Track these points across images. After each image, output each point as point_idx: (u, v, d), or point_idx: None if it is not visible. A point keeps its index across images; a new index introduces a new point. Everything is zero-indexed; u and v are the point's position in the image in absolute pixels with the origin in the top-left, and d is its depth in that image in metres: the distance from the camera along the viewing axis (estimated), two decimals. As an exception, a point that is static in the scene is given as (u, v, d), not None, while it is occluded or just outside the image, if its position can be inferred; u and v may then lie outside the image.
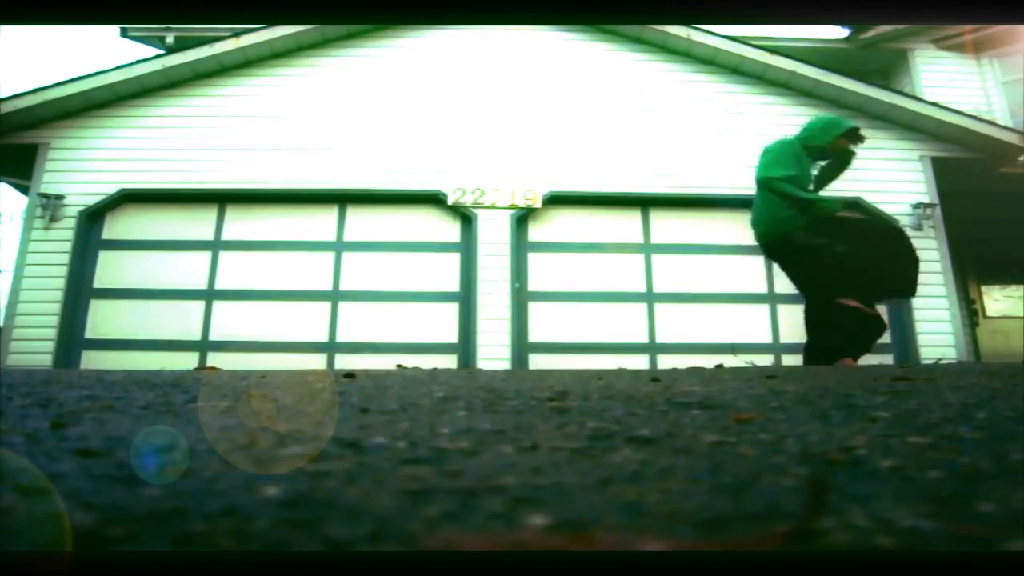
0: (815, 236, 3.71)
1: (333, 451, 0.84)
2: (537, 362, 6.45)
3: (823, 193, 4.11)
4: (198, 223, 6.92)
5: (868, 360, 3.81)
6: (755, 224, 3.97)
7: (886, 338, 6.77)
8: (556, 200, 6.98)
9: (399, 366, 3.88)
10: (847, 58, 9.15)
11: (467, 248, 6.87)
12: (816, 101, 7.39)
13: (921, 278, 6.72)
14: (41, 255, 6.58)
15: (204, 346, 6.53)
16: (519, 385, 1.91)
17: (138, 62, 7.05)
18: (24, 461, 0.76)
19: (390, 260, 6.87)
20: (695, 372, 2.78)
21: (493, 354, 6.39)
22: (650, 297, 6.82)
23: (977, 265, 9.20)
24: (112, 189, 6.79)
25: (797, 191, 3.76)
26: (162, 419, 1.19)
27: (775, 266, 6.97)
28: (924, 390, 1.63)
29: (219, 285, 6.74)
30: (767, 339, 6.74)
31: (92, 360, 6.40)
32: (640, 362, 6.42)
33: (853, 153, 4.02)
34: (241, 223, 6.95)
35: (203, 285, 6.72)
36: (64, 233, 6.64)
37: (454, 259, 6.89)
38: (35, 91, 6.79)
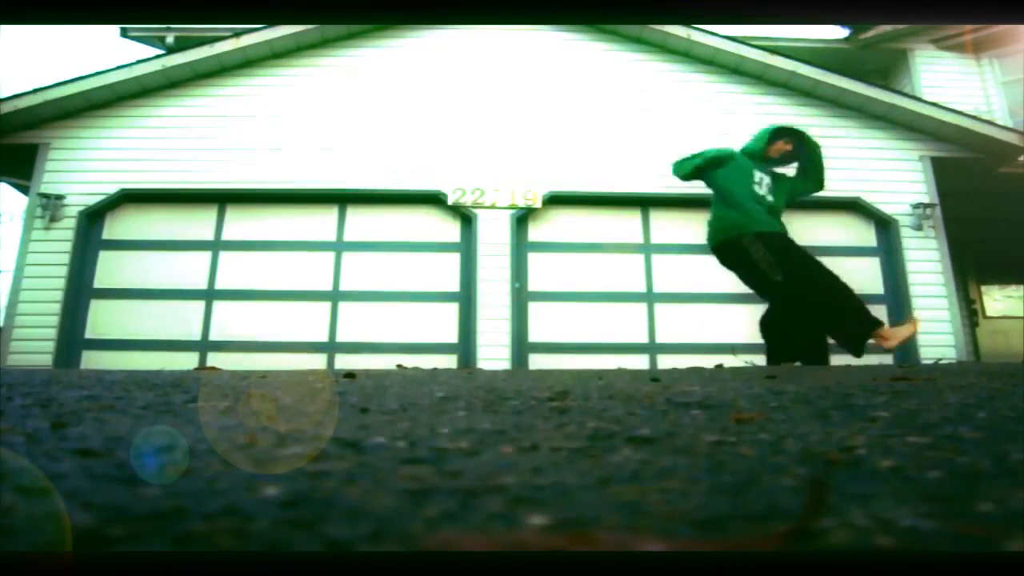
0: (763, 248, 3.61)
1: (333, 451, 0.84)
2: (537, 362, 6.45)
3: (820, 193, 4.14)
4: (198, 223, 6.92)
5: (868, 360, 3.80)
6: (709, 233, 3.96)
7: (886, 338, 6.79)
8: (556, 200, 6.98)
9: (399, 366, 3.88)
10: (847, 58, 9.15)
11: (467, 248, 6.87)
12: (816, 101, 7.39)
13: (921, 278, 6.83)
14: (41, 255, 6.58)
15: (204, 346, 6.53)
16: (519, 385, 1.91)
17: (138, 62, 7.05)
18: (24, 461, 0.76)
19: (390, 260, 6.87)
20: (695, 372, 2.78)
21: (493, 354, 6.39)
22: (650, 297, 6.82)
23: (977, 265, 9.20)
24: (112, 189, 6.79)
25: (693, 157, 3.79)
26: (162, 419, 1.19)
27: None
28: (924, 390, 1.63)
29: (219, 285, 6.74)
30: (767, 339, 6.73)
31: (92, 360, 6.40)
32: (640, 362, 6.42)
33: (815, 145, 3.97)
34: (241, 223, 6.95)
35: (203, 285, 6.72)
36: (64, 233, 6.64)
37: (454, 259, 6.89)
38: (35, 91, 6.79)
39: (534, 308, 6.75)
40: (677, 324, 6.74)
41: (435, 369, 3.35)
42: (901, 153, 7.27)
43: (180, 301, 6.65)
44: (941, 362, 4.86)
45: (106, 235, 6.84)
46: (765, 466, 0.76)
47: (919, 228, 6.92)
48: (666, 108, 7.34)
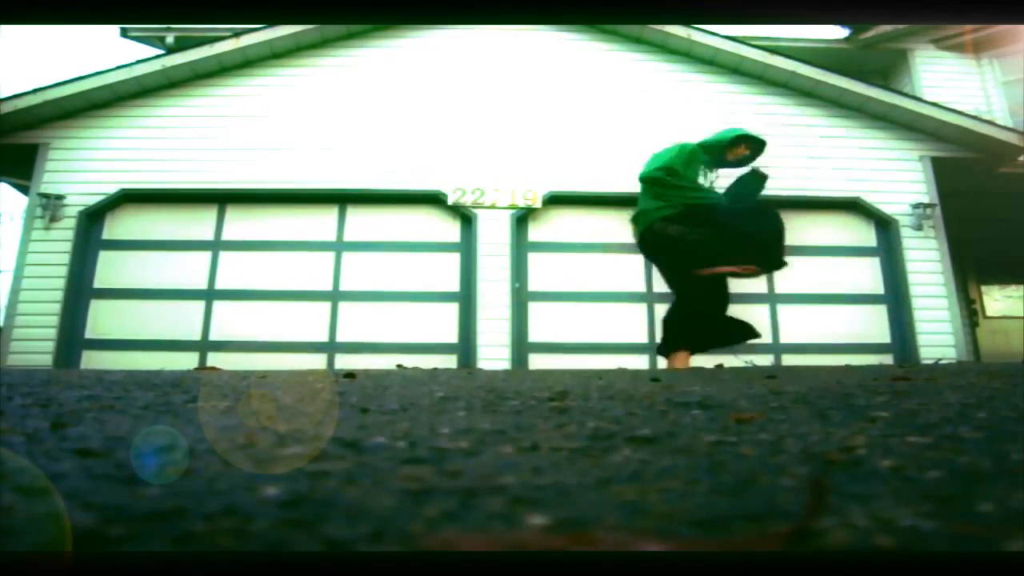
0: (670, 225, 3.68)
1: (333, 451, 0.84)
2: (537, 362, 6.45)
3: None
4: (198, 223, 6.92)
5: (868, 360, 3.80)
6: (631, 222, 3.97)
7: (886, 338, 6.79)
8: (556, 200, 6.98)
9: (399, 366, 3.88)
10: (847, 58, 9.15)
11: (467, 248, 6.87)
12: (816, 101, 7.39)
13: (921, 278, 6.83)
14: (41, 255, 6.58)
15: (204, 346, 6.53)
16: (519, 385, 1.91)
17: (138, 62, 7.05)
18: (24, 461, 0.76)
19: (390, 260, 6.87)
20: (695, 372, 2.78)
21: (493, 354, 6.39)
22: (650, 297, 6.82)
23: (977, 265, 9.20)
24: (112, 189, 6.79)
25: (671, 179, 3.75)
26: (162, 419, 1.19)
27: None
28: (924, 390, 1.63)
29: (219, 285, 6.74)
30: (767, 339, 6.73)
31: (92, 360, 6.40)
32: (640, 362, 6.41)
33: (762, 175, 3.86)
34: (241, 223, 6.95)
35: (203, 285, 6.72)
36: (64, 233, 6.64)
37: (454, 259, 6.89)
38: (35, 91, 6.79)
39: (534, 308, 6.75)
40: (677, 324, 6.74)
41: (435, 369, 3.35)
42: (901, 153, 7.27)
43: (180, 301, 6.65)
44: (941, 362, 4.86)
45: (106, 235, 6.84)
46: (765, 466, 0.76)
47: (919, 228, 6.92)
48: (666, 108, 7.33)
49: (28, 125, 6.88)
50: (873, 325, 6.84)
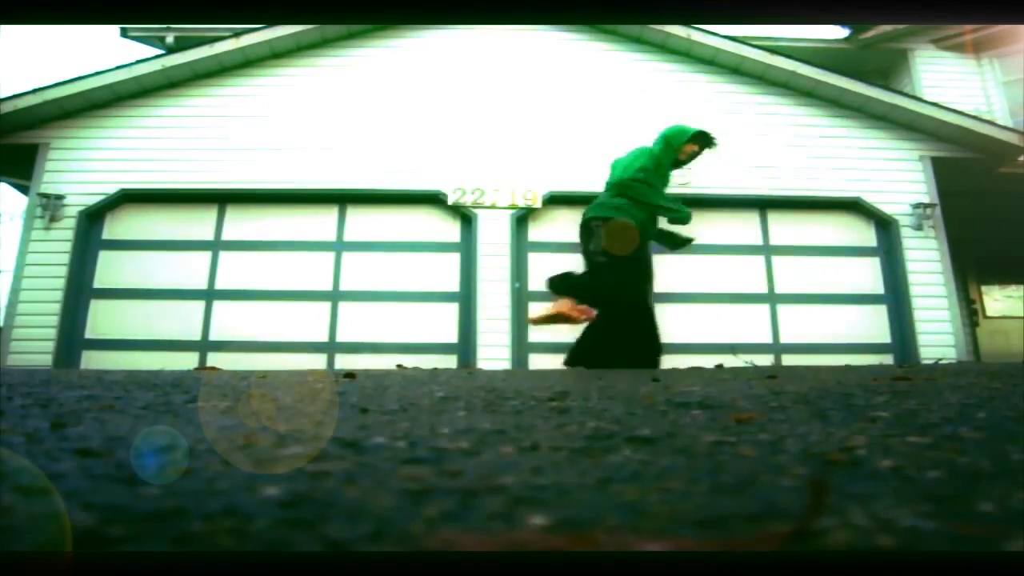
0: (595, 237, 3.62)
1: (333, 451, 0.84)
2: (537, 362, 6.45)
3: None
4: (198, 223, 6.92)
5: (868, 360, 3.80)
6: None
7: (886, 338, 6.79)
8: (556, 200, 6.98)
9: (399, 366, 3.88)
10: (847, 58, 9.15)
11: (467, 248, 6.87)
12: (816, 101, 7.39)
13: (921, 278, 6.83)
14: (41, 255, 6.58)
15: (204, 346, 6.53)
16: (519, 385, 1.91)
17: (138, 62, 7.05)
18: (24, 461, 0.76)
19: (390, 260, 6.87)
20: (695, 372, 2.78)
21: (493, 354, 6.39)
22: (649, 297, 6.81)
23: (977, 265, 9.20)
24: (112, 189, 6.79)
25: (653, 196, 3.71)
26: (162, 419, 1.19)
27: (774, 267, 7.01)
28: (924, 390, 1.63)
29: (219, 285, 6.74)
30: (767, 339, 6.74)
31: (92, 360, 6.40)
32: (640, 362, 6.40)
33: (689, 241, 3.94)
34: (241, 223, 6.95)
35: (203, 285, 6.72)
36: (64, 233, 6.64)
37: (454, 259, 6.89)
38: (35, 91, 6.79)
39: (534, 308, 6.74)
40: (678, 324, 6.74)
41: (435, 369, 3.35)
42: (901, 153, 7.27)
43: (180, 301, 6.65)
44: (941, 362, 4.86)
45: (106, 235, 6.84)
46: (765, 466, 0.76)
47: (919, 228, 6.92)
48: (666, 108, 7.32)
49: (28, 125, 6.88)
50: (873, 325, 6.84)
